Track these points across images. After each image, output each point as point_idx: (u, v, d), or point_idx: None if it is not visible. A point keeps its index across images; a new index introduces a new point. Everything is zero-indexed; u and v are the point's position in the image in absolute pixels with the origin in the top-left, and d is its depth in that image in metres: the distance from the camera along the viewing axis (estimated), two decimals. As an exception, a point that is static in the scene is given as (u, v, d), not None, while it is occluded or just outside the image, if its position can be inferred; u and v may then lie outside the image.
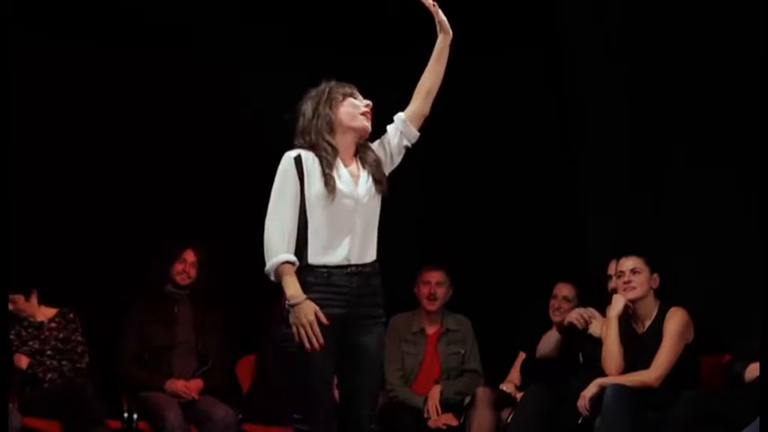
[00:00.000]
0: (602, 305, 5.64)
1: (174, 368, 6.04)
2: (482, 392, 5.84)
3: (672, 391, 5.19)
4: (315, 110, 4.13)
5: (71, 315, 6.08)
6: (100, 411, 5.70)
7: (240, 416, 5.95)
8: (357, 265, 4.04)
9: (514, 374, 6.15)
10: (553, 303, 6.07)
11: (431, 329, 6.28)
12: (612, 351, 5.40)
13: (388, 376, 6.09)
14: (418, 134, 4.24)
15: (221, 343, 6.17)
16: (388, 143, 4.21)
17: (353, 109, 4.14)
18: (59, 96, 6.30)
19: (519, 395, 5.79)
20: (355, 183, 4.09)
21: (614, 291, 5.57)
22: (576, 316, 5.70)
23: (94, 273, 6.24)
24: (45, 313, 6.06)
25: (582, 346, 5.74)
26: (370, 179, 4.12)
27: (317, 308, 3.92)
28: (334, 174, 4.04)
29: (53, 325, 6.04)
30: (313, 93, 4.19)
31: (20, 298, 5.98)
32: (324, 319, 3.92)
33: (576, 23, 6.47)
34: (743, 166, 5.75)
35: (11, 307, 5.92)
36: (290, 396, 4.08)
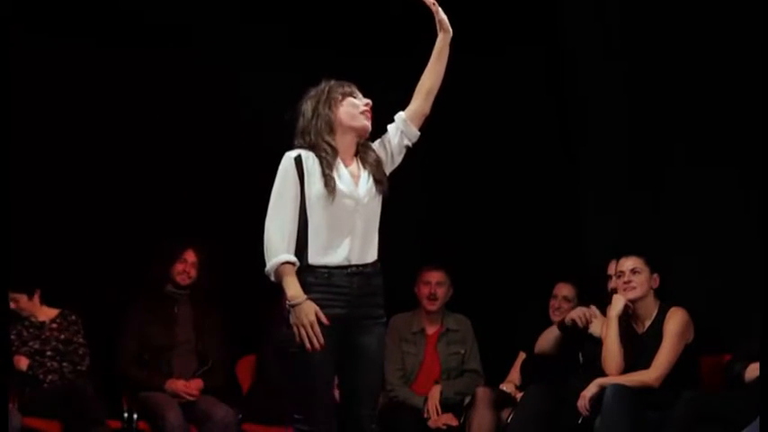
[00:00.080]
0: (602, 305, 5.64)
1: (174, 368, 6.04)
2: (482, 392, 5.84)
3: (672, 391, 5.19)
4: (314, 110, 4.12)
5: (73, 317, 6.08)
6: (100, 411, 5.70)
7: (240, 416, 5.95)
8: (358, 266, 4.04)
9: (514, 374, 6.15)
10: (553, 303, 6.07)
11: (431, 329, 6.28)
12: (612, 351, 5.40)
13: (389, 376, 6.09)
14: (419, 133, 4.24)
15: (221, 343, 6.17)
16: (389, 143, 4.21)
17: (353, 108, 4.13)
18: (59, 96, 6.30)
19: (519, 395, 5.79)
20: (356, 183, 4.08)
21: (614, 291, 5.57)
22: (578, 314, 5.71)
23: (95, 273, 6.24)
24: (47, 313, 6.06)
25: (582, 346, 5.74)
26: (371, 179, 4.11)
27: (317, 308, 3.92)
28: (335, 174, 4.04)
29: (54, 325, 6.04)
30: (312, 92, 4.18)
31: (22, 297, 5.98)
32: (324, 320, 3.92)
33: (575, 22, 6.46)
34: (743, 164, 5.75)
35: (13, 306, 5.92)
36: (290, 396, 4.08)
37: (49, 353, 5.96)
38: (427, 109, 4.23)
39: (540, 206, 6.54)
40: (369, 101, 4.17)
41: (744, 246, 5.63)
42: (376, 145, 4.21)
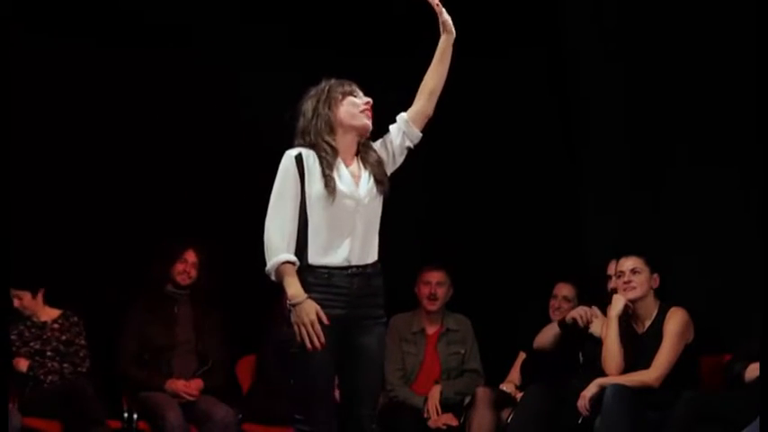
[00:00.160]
0: (602, 305, 5.64)
1: (174, 368, 6.04)
2: (482, 392, 5.84)
3: (672, 391, 5.19)
4: (314, 109, 4.11)
5: (75, 318, 6.08)
6: (100, 411, 5.70)
7: (240, 416, 5.95)
8: (358, 266, 4.03)
9: (514, 374, 6.15)
10: (553, 303, 6.07)
11: (431, 329, 6.28)
12: (612, 351, 5.40)
13: (389, 376, 6.09)
14: (421, 135, 4.23)
15: (221, 343, 6.17)
16: (391, 143, 4.20)
17: (353, 107, 4.11)
18: (60, 97, 6.30)
19: (519, 395, 5.79)
20: (356, 183, 4.07)
21: (614, 291, 5.57)
22: (579, 313, 5.71)
23: (95, 273, 6.24)
24: (48, 314, 6.06)
25: (582, 346, 5.74)
26: (372, 179, 4.10)
27: (318, 307, 3.92)
28: (335, 174, 4.02)
29: (56, 326, 6.03)
30: (313, 92, 4.17)
31: (26, 295, 5.98)
32: (325, 319, 3.92)
33: (577, 24, 6.47)
34: (744, 165, 5.75)
35: (16, 303, 5.93)
36: (290, 396, 4.08)
37: (49, 353, 5.95)
38: (430, 110, 4.22)
39: (540, 206, 6.54)
40: (369, 99, 4.16)
41: (744, 246, 5.63)
42: (377, 145, 4.20)
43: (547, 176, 6.58)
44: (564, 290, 6.07)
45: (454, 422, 5.97)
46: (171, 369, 6.03)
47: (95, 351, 6.07)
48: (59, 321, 6.05)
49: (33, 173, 6.15)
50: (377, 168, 4.12)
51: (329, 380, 4.03)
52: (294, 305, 3.91)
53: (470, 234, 6.63)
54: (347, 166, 4.09)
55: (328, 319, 3.92)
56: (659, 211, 6.14)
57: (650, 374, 5.28)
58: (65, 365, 5.94)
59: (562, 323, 5.78)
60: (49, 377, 5.90)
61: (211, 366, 6.09)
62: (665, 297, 5.49)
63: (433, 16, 4.25)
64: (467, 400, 5.98)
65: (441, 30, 4.22)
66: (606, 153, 6.36)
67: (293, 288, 3.92)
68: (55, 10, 6.24)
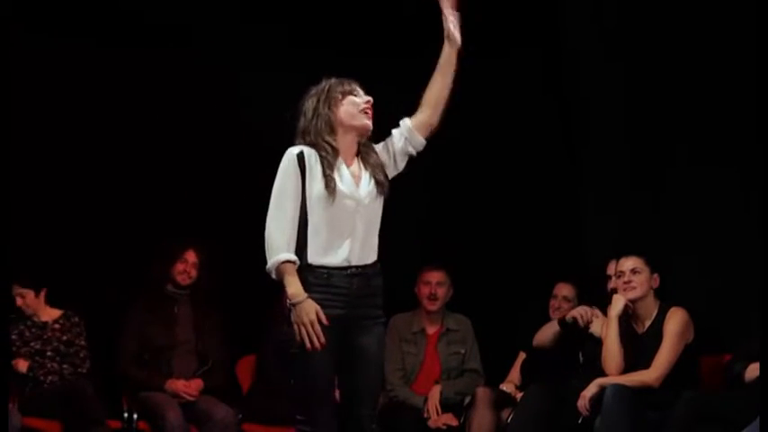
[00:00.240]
0: (602, 305, 5.64)
1: (174, 368, 6.04)
2: (482, 392, 5.84)
3: (672, 391, 5.19)
4: (315, 109, 4.09)
5: (76, 319, 6.08)
6: (100, 411, 5.71)
7: (240, 416, 5.95)
8: (357, 267, 4.02)
9: (514, 374, 6.15)
10: (553, 303, 6.08)
11: (431, 329, 6.29)
12: (612, 351, 5.40)
13: (389, 376, 6.10)
14: (424, 142, 4.21)
15: (221, 343, 6.17)
16: (392, 146, 4.19)
17: (353, 107, 4.10)
18: (60, 97, 6.30)
19: (519, 395, 5.79)
20: (357, 184, 4.06)
21: (614, 291, 5.57)
22: (580, 312, 5.71)
23: (95, 273, 6.24)
24: (50, 314, 6.06)
25: (582, 346, 5.74)
26: (372, 180, 4.10)
27: (318, 307, 3.91)
28: (335, 174, 4.02)
29: (57, 326, 6.03)
30: (313, 91, 4.15)
31: (30, 293, 5.98)
32: (324, 319, 3.91)
33: (576, 24, 6.47)
34: (744, 165, 5.75)
35: (19, 302, 5.93)
36: (291, 397, 4.08)
37: (49, 353, 5.95)
38: (435, 121, 4.20)
39: (540, 206, 6.54)
40: (369, 98, 4.14)
41: (744, 246, 5.63)
42: (380, 148, 4.19)
43: (547, 176, 6.58)
44: (564, 290, 6.07)
45: (454, 422, 5.97)
46: (171, 369, 6.03)
47: (95, 351, 6.08)
48: (60, 322, 6.05)
49: (33, 172, 6.14)
50: (377, 169, 4.11)
51: (329, 380, 4.02)
52: (294, 304, 3.90)
53: (470, 234, 6.63)
54: (348, 166, 4.08)
55: (328, 319, 3.92)
56: (659, 211, 6.14)
57: (650, 374, 5.28)
58: (64, 366, 5.94)
59: (562, 322, 5.78)
60: (49, 377, 5.90)
61: (211, 366, 6.09)
62: (665, 297, 5.49)
63: (437, 16, 4.22)
64: (467, 400, 5.98)
65: (445, 38, 4.17)
66: (606, 153, 6.36)
67: (293, 287, 3.92)
68: (55, 10, 6.24)
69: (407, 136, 4.17)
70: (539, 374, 5.86)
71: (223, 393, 6.03)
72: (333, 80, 4.15)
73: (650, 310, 5.46)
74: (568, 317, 5.75)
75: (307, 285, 3.95)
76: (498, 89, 6.58)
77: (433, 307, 6.23)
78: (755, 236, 5.24)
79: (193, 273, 6.15)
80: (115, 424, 5.85)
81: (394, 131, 4.21)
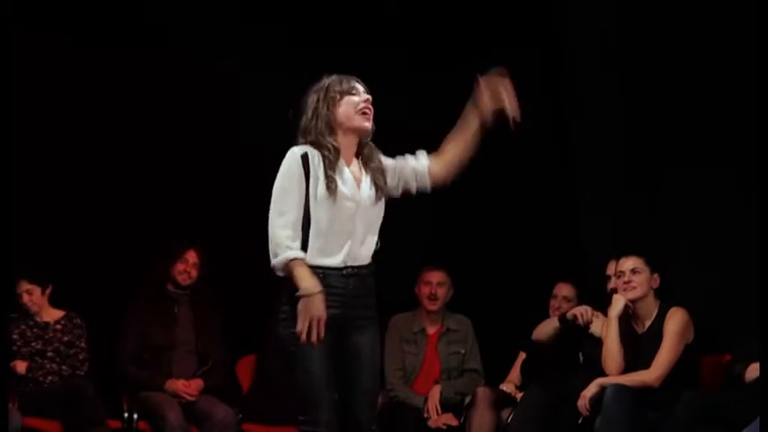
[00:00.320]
0: (602, 305, 5.65)
1: (174, 368, 6.04)
2: (482, 392, 5.84)
3: (672, 391, 5.19)
4: (315, 109, 4.05)
5: (78, 320, 6.08)
6: (100, 411, 5.70)
7: (240, 416, 5.95)
8: (353, 267, 4.01)
9: (514, 374, 6.15)
10: (553, 303, 6.08)
11: (431, 329, 6.29)
12: (612, 351, 5.40)
13: (389, 376, 6.10)
14: (429, 189, 4.19)
15: (221, 343, 6.17)
16: (401, 175, 4.14)
17: (351, 108, 4.04)
18: (60, 98, 6.30)
19: (519, 395, 5.79)
20: (358, 185, 4.04)
21: (614, 291, 5.57)
22: (581, 311, 5.71)
23: (95, 272, 6.23)
24: (52, 315, 6.06)
25: (582, 346, 5.75)
26: (372, 184, 4.06)
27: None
28: (337, 176, 3.99)
29: (58, 327, 6.03)
30: (314, 89, 4.10)
31: (37, 290, 5.99)
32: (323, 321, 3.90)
33: (572, 25, 6.48)
34: (739, 166, 5.76)
35: (25, 298, 5.93)
36: (292, 396, 4.07)
37: (50, 354, 5.95)
38: (448, 180, 4.20)
39: (540, 206, 6.54)
40: (368, 97, 4.09)
41: (744, 246, 5.63)
42: (389, 163, 4.13)
43: (545, 176, 6.58)
44: (564, 290, 6.08)
45: (454, 422, 5.97)
46: (171, 369, 6.03)
47: (96, 351, 6.07)
48: (62, 322, 6.05)
49: (32, 172, 6.14)
50: (378, 174, 4.08)
51: (328, 379, 4.00)
52: (306, 296, 3.86)
53: (470, 234, 6.63)
54: (347, 166, 4.06)
55: (326, 323, 3.90)
56: (658, 211, 6.15)
57: (650, 374, 5.29)
58: (63, 367, 5.94)
59: (562, 318, 5.78)
60: (49, 378, 5.90)
61: (211, 366, 6.09)
62: (665, 297, 5.49)
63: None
64: (467, 400, 5.98)
65: (476, 103, 4.16)
66: (602, 153, 6.37)
67: (307, 280, 3.86)
68: (55, 10, 6.24)
69: (418, 176, 4.15)
70: (539, 374, 5.86)
71: (223, 393, 6.02)
72: (332, 78, 4.10)
73: (650, 310, 5.46)
74: (569, 314, 5.76)
75: None
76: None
77: (433, 307, 6.24)
78: (755, 236, 5.24)
79: (194, 273, 6.15)
80: (115, 424, 5.84)
81: (410, 161, 4.16)
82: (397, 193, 4.18)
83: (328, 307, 3.92)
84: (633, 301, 5.44)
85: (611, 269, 5.72)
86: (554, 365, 5.83)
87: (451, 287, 6.29)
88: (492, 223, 6.61)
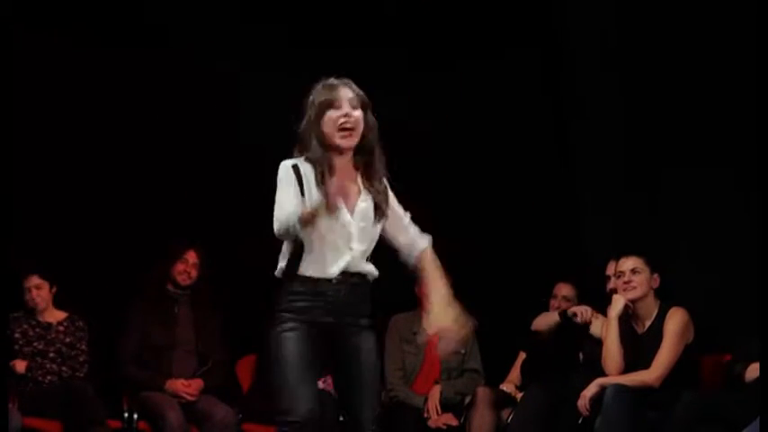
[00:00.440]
0: (602, 305, 5.65)
1: (174, 368, 6.04)
2: (482, 392, 5.84)
3: (672, 391, 5.19)
4: (307, 120, 3.92)
5: (80, 323, 6.08)
6: (100, 411, 5.70)
7: (240, 416, 5.95)
8: (346, 275, 3.93)
9: (514, 374, 6.15)
10: (553, 303, 6.08)
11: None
12: (612, 351, 5.40)
13: (389, 376, 6.10)
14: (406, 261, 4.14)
15: (221, 343, 6.17)
16: (396, 228, 4.08)
17: (331, 125, 3.87)
18: (59, 98, 6.30)
19: (519, 395, 5.79)
20: (353, 201, 3.94)
21: (613, 291, 5.57)
22: (581, 309, 5.71)
23: (95, 272, 6.23)
24: (55, 315, 6.07)
25: (582, 346, 5.75)
26: (372, 204, 3.97)
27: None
28: (332, 192, 3.85)
29: (61, 328, 6.03)
30: (309, 95, 3.97)
31: (45, 286, 5.99)
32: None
33: (572, 25, 6.48)
34: (739, 165, 5.76)
35: (34, 293, 5.93)
36: (273, 395, 4.01)
37: (51, 354, 5.95)
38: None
39: (540, 206, 6.55)
40: (347, 111, 3.87)
41: (743, 246, 5.64)
42: (396, 210, 4.07)
43: (545, 176, 6.59)
44: (564, 290, 6.08)
45: (454, 422, 5.97)
46: (171, 369, 6.03)
47: (96, 351, 6.07)
48: (65, 324, 6.05)
49: (31, 172, 6.15)
50: (381, 196, 3.98)
51: (305, 378, 3.87)
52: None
53: (470, 234, 6.63)
54: (344, 180, 3.91)
55: (316, 325, 3.88)
56: (657, 211, 6.15)
57: (650, 374, 5.29)
58: (64, 368, 5.94)
59: (563, 313, 5.78)
60: (48, 378, 5.90)
61: (211, 366, 6.09)
62: (665, 297, 5.49)
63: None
64: (467, 400, 5.98)
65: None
66: (602, 153, 6.37)
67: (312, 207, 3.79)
68: (55, 10, 6.25)
69: (407, 249, 4.10)
70: (539, 374, 5.86)
71: (223, 393, 6.02)
72: (318, 87, 3.93)
73: (650, 310, 5.46)
74: (570, 311, 5.76)
75: (293, 294, 3.89)
76: (495, 90, 6.59)
77: (433, 307, 6.23)
78: (755, 236, 5.24)
79: (193, 273, 6.15)
80: (115, 424, 5.84)
81: (402, 219, 4.10)
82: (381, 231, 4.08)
83: (319, 315, 3.89)
84: (633, 301, 5.44)
85: (610, 269, 5.73)
86: (554, 365, 5.83)
87: (451, 287, 6.27)
88: (492, 223, 6.61)
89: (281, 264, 3.95)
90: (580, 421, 5.37)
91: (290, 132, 4.16)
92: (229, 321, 6.22)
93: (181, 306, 6.17)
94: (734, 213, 5.83)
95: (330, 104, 3.87)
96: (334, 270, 3.92)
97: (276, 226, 3.84)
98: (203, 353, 6.11)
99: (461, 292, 6.25)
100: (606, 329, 5.46)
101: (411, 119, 6.21)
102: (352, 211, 3.95)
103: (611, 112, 6.34)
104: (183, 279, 6.14)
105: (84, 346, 6.03)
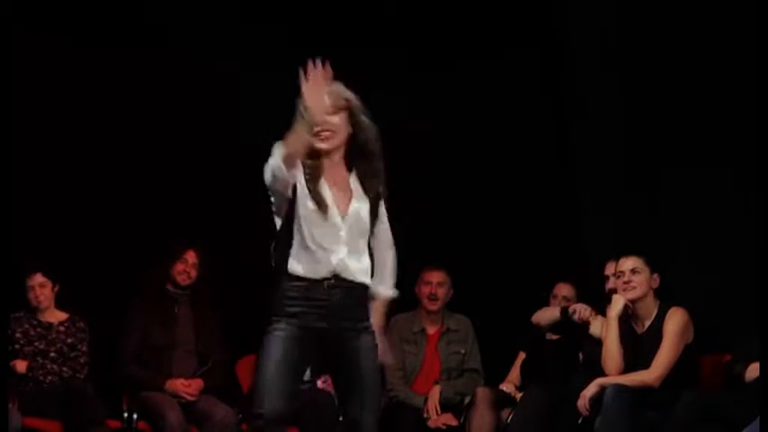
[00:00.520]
0: (601, 305, 5.64)
1: (174, 368, 6.03)
2: (482, 392, 5.84)
3: (672, 391, 5.19)
4: (295, 125, 3.93)
5: (81, 324, 6.07)
6: (100, 411, 5.70)
7: (240, 416, 5.94)
8: (338, 279, 3.93)
9: (514, 374, 6.15)
10: (553, 303, 6.08)
11: (432, 329, 6.29)
12: (612, 351, 5.40)
13: (389, 376, 6.09)
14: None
15: (221, 343, 6.17)
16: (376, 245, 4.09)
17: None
18: (59, 98, 6.30)
19: (519, 395, 5.79)
20: (344, 202, 3.95)
21: (612, 291, 5.57)
22: (581, 308, 5.71)
23: (95, 272, 6.23)
24: (56, 316, 6.06)
25: (582, 346, 5.75)
26: (366, 206, 3.98)
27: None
28: (321, 191, 3.91)
29: (62, 329, 6.03)
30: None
31: (49, 284, 5.98)
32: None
33: (573, 25, 6.48)
34: (739, 165, 5.77)
35: (37, 291, 5.93)
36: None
37: (52, 354, 5.94)
38: None
39: (539, 206, 6.55)
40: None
41: (743, 246, 5.64)
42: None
43: (545, 176, 6.59)
44: (564, 290, 6.08)
45: (454, 422, 5.97)
46: (171, 369, 6.03)
47: (96, 351, 6.07)
48: (66, 324, 6.05)
49: (32, 172, 6.15)
50: (374, 200, 4.00)
51: (286, 372, 3.90)
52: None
53: (470, 234, 6.63)
54: (335, 182, 3.96)
55: (309, 330, 3.88)
56: (658, 211, 6.15)
57: (650, 374, 5.28)
58: (64, 369, 5.94)
59: (564, 310, 5.78)
60: (49, 378, 5.90)
61: (211, 366, 6.09)
62: (665, 297, 5.49)
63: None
64: (467, 400, 5.98)
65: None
66: (602, 153, 6.37)
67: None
68: (55, 10, 6.25)
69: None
70: (539, 374, 5.87)
71: (223, 393, 6.02)
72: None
73: (650, 310, 5.46)
74: (571, 309, 5.76)
75: (286, 299, 3.90)
76: (495, 90, 6.59)
77: (433, 307, 6.24)
78: (755, 236, 5.24)
79: (193, 273, 6.15)
80: (115, 424, 5.84)
81: (387, 252, 4.11)
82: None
83: (313, 320, 3.90)
84: (633, 302, 5.44)
85: (608, 270, 5.72)
86: (554, 365, 5.83)
87: (451, 287, 6.29)
88: (492, 223, 6.61)
89: (272, 260, 3.96)
90: (580, 421, 5.36)
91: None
92: (229, 321, 6.22)
93: (181, 306, 6.17)
94: (734, 213, 5.83)
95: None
96: (322, 270, 3.92)
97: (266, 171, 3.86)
98: (203, 353, 6.11)
99: (462, 291, 6.32)
100: (606, 329, 5.46)
101: (411, 119, 6.21)
102: (344, 212, 3.95)
103: (611, 112, 6.34)
104: (182, 279, 6.14)
105: (84, 348, 6.03)
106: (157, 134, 6.41)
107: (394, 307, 4.30)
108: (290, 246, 3.93)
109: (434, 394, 6.07)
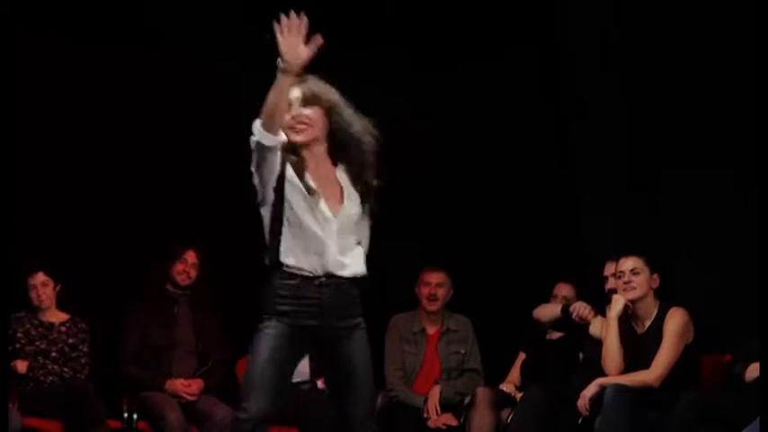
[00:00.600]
0: (601, 305, 5.64)
1: (174, 368, 6.03)
2: (482, 392, 5.84)
3: (672, 391, 5.19)
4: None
5: (82, 325, 6.08)
6: (100, 411, 5.70)
7: (240, 416, 5.94)
8: (328, 276, 3.93)
9: (514, 374, 6.15)
10: (553, 303, 6.07)
11: (431, 329, 6.29)
12: (612, 351, 5.40)
13: (389, 376, 6.10)
14: None
15: (221, 343, 6.17)
16: None
17: (284, 123, 4.01)
18: (59, 98, 6.30)
19: (519, 395, 5.79)
20: (333, 196, 3.96)
21: (612, 291, 5.57)
22: (580, 307, 5.70)
23: (95, 272, 6.23)
24: (57, 316, 6.07)
25: (582, 346, 5.75)
26: (356, 198, 3.99)
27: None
28: (311, 183, 3.92)
29: (63, 329, 6.03)
30: None
31: (50, 283, 5.98)
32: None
33: (573, 25, 6.48)
34: (739, 165, 5.77)
35: (39, 290, 5.93)
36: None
37: (53, 354, 5.94)
38: None
39: (539, 206, 6.55)
40: (296, 113, 4.03)
41: (743, 246, 5.64)
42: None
43: (545, 176, 6.59)
44: (564, 290, 6.08)
45: (454, 422, 5.97)
46: (171, 369, 6.03)
47: (96, 351, 6.07)
48: (67, 325, 6.05)
49: (32, 172, 6.15)
50: (367, 192, 4.00)
51: (274, 370, 3.90)
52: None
53: (470, 234, 6.63)
54: (321, 175, 3.97)
55: (303, 329, 3.88)
56: (658, 211, 6.15)
57: (650, 374, 5.28)
58: (65, 369, 5.94)
59: (565, 308, 5.78)
60: (49, 378, 5.90)
61: (211, 366, 6.09)
62: (665, 297, 5.49)
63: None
64: (467, 400, 5.98)
65: None
66: (602, 153, 6.37)
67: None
68: (55, 10, 6.25)
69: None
70: (539, 374, 5.86)
71: (223, 393, 6.02)
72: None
73: (650, 310, 5.46)
74: (571, 307, 5.76)
75: (277, 298, 3.90)
76: (495, 90, 6.59)
77: (433, 307, 6.24)
78: (755, 236, 5.24)
79: (193, 273, 6.15)
80: (115, 424, 5.84)
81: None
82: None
83: (304, 318, 3.90)
84: (633, 302, 5.44)
85: (608, 270, 5.72)
86: (554, 365, 5.83)
87: (451, 287, 6.29)
88: (492, 223, 6.61)
89: (265, 255, 3.96)
90: (580, 421, 5.36)
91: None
92: (229, 321, 6.22)
93: (180, 306, 6.17)
94: (734, 213, 5.83)
95: (289, 106, 4.02)
96: (314, 264, 3.91)
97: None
98: (203, 353, 6.11)
99: (462, 291, 6.32)
100: (606, 329, 5.46)
101: (411, 119, 6.21)
102: (334, 207, 3.95)
103: (611, 112, 6.34)
104: (182, 279, 6.14)
105: (85, 348, 6.03)
106: (157, 134, 6.42)
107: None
108: (280, 234, 3.92)
109: (434, 394, 6.06)
